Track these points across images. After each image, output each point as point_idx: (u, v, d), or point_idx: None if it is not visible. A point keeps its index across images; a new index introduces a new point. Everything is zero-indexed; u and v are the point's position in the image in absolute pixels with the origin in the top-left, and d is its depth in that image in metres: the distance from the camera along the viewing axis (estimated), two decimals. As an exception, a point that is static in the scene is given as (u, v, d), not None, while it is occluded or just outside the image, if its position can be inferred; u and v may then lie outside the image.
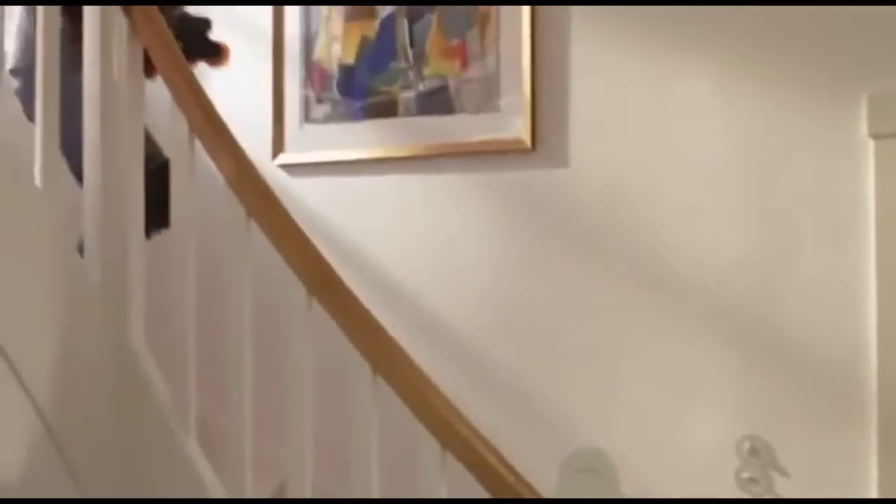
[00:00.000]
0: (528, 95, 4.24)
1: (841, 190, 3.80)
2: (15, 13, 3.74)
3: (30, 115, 3.43)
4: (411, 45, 4.50)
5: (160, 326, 3.24)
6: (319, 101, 4.50)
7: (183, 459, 3.07)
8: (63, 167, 3.14)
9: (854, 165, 3.78)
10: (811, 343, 3.83)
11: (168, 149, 3.15)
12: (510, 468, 2.70)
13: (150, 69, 3.21)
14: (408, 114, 4.45)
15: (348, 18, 4.65)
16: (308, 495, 2.90)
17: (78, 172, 3.29)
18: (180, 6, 3.98)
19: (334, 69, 4.66)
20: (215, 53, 4.08)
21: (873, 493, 3.72)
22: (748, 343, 3.91)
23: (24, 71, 3.59)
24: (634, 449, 3.99)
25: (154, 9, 3.15)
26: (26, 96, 3.52)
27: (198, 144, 3.12)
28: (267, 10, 4.76)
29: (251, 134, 3.90)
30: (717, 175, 3.98)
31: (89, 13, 3.18)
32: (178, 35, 3.80)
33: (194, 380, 3.11)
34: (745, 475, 3.77)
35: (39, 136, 3.02)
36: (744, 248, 3.90)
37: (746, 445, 3.83)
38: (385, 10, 4.57)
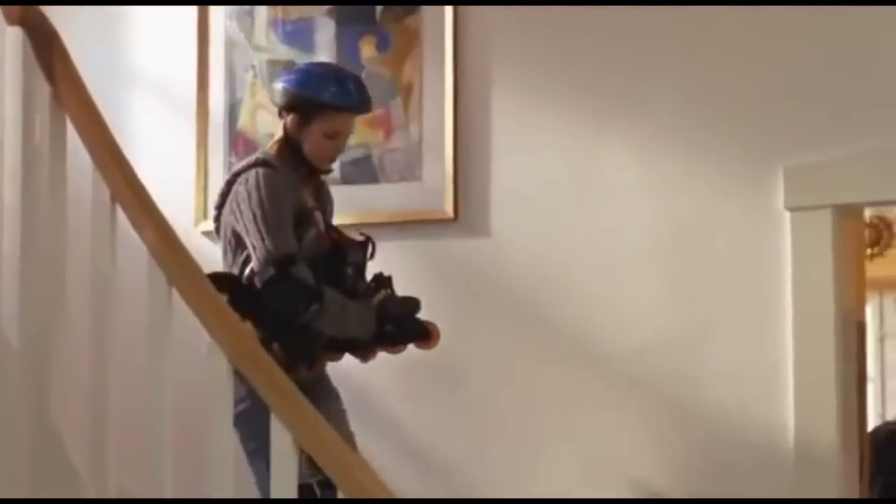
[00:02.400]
0: (450, 165, 4.27)
1: (759, 262, 3.86)
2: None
3: None
4: (335, 113, 4.51)
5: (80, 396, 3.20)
6: (243, 168, 4.49)
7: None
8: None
9: (771, 238, 3.84)
10: (728, 416, 3.86)
11: (90, 216, 3.12)
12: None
13: None
14: (331, 183, 4.45)
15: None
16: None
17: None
18: (384, 288, 3.87)
19: (258, 137, 4.66)
20: (426, 336, 3.87)
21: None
22: (666, 415, 3.94)
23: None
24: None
25: (79, 76, 3.13)
26: None
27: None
28: (191, 77, 4.75)
29: (174, 201, 3.88)
30: (638, 248, 4.02)
31: (10, 76, 3.16)
32: (387, 319, 3.79)
33: (113, 449, 3.06)
34: None
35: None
36: (664, 321, 3.94)
37: None
38: (309, 79, 4.58)
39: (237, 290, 3.58)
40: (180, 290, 2.95)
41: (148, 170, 3.41)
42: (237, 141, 4.69)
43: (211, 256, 4.45)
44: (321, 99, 3.72)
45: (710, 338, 3.90)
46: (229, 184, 3.75)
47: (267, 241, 3.56)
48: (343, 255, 3.77)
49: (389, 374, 4.35)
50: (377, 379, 4.36)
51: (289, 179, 3.72)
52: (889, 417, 7.50)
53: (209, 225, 4.60)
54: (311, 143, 3.76)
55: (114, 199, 3.05)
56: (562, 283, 4.12)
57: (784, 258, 3.81)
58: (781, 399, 3.79)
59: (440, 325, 4.19)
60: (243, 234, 3.64)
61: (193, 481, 3.16)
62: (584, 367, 4.07)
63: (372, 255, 3.85)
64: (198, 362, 2.93)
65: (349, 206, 4.41)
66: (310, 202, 3.80)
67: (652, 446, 3.94)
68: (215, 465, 2.88)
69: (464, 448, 4.21)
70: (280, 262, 3.55)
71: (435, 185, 4.32)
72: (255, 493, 3.42)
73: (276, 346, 3.53)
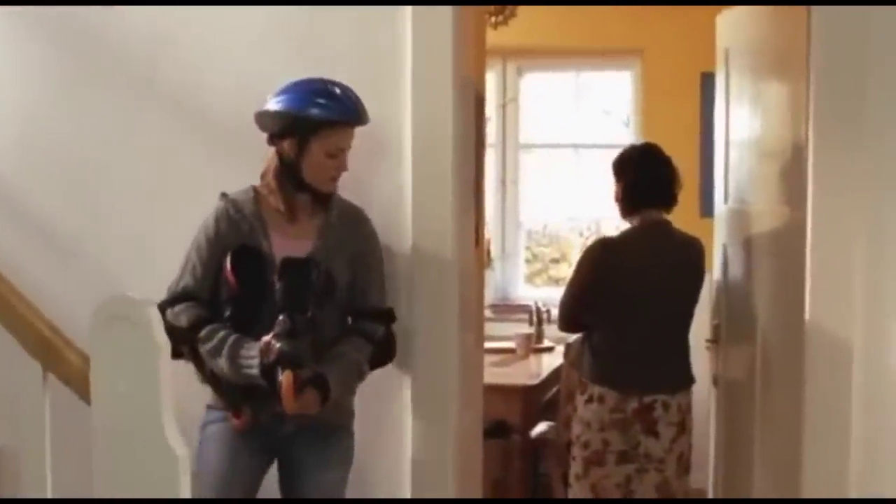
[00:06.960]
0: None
1: (379, 29, 3.88)
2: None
3: None
4: None
5: None
6: None
7: None
8: None
9: (390, 17, 3.85)
10: (358, 182, 3.91)
11: None
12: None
13: None
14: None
15: None
16: None
17: None
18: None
19: None
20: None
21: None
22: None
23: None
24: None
25: None
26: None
27: None
28: None
29: None
30: (259, 21, 3.96)
31: None
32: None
33: None
34: None
35: None
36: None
37: None
38: None
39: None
40: None
41: None
42: None
43: None
44: (320, 116, 3.47)
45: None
46: None
47: (175, 278, 3.58)
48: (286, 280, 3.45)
49: (2, 150, 4.18)
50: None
51: (247, 218, 3.56)
52: (510, 181, 7.73)
53: None
54: (314, 166, 3.52)
55: None
56: (183, 56, 4.03)
57: (405, 26, 3.84)
58: (400, 166, 3.87)
59: (59, 96, 4.04)
60: None
61: None
62: (205, 138, 4.01)
63: (318, 277, 3.48)
64: None
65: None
66: (286, 237, 3.56)
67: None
68: None
69: (83, 223, 4.11)
70: (166, 301, 3.52)
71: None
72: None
73: None
